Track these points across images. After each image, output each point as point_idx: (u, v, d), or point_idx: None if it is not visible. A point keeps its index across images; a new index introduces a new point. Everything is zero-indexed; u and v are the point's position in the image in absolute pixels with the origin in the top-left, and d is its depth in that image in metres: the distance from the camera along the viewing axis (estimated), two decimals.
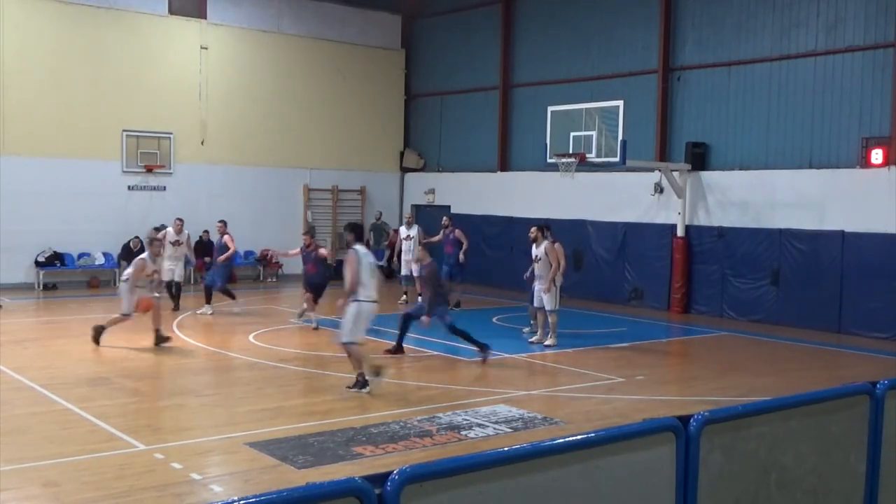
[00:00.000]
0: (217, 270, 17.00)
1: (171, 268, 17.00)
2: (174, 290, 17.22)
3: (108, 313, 17.39)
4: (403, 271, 19.18)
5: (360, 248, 10.53)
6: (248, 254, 23.31)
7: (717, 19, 18.85)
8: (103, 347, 13.31)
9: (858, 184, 16.35)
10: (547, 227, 14.63)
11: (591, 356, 13.43)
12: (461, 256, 18.35)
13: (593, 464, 3.48)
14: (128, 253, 21.21)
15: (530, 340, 14.29)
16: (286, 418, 9.27)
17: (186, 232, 17.61)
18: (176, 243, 17.12)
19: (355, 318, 10.34)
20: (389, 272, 25.25)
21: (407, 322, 12.96)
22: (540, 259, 13.94)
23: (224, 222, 17.56)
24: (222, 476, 7.52)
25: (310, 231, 16.89)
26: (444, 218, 19.78)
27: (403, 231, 19.37)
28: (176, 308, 16.95)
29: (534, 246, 14.16)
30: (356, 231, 10.91)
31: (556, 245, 14.25)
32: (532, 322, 14.76)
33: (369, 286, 10.35)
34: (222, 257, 16.83)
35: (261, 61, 23.71)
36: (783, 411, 4.31)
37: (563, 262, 14.14)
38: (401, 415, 9.42)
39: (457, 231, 18.71)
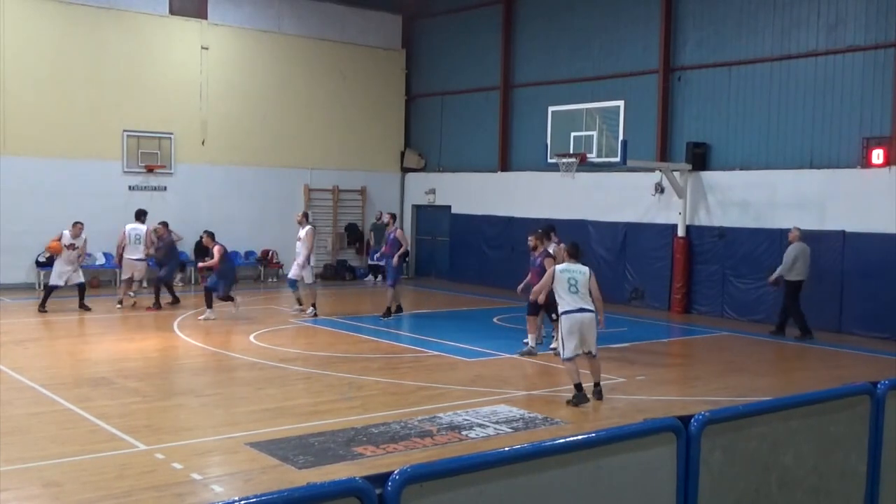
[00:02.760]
0: (390, 268, 17.18)
1: (68, 269, 16.95)
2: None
3: (108, 313, 17.47)
4: (291, 274, 17.40)
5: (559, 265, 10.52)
6: (249, 254, 23.32)
7: (718, 19, 18.85)
8: (103, 347, 13.32)
9: (859, 184, 16.35)
10: (552, 227, 14.16)
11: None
12: (395, 259, 16.73)
13: (594, 464, 3.48)
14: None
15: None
16: (287, 418, 9.27)
17: (84, 237, 17.24)
18: (71, 247, 16.96)
19: (563, 333, 10.22)
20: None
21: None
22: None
23: (393, 215, 17.74)
24: (223, 476, 7.52)
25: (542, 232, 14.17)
26: (386, 215, 18.04)
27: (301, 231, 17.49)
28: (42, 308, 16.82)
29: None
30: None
31: (561, 245, 14.00)
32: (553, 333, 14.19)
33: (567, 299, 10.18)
34: (397, 253, 16.88)
35: (261, 61, 23.71)
36: (784, 411, 4.31)
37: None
38: (401, 415, 9.42)
39: (398, 231, 17.18)
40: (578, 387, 10.06)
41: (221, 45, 23.01)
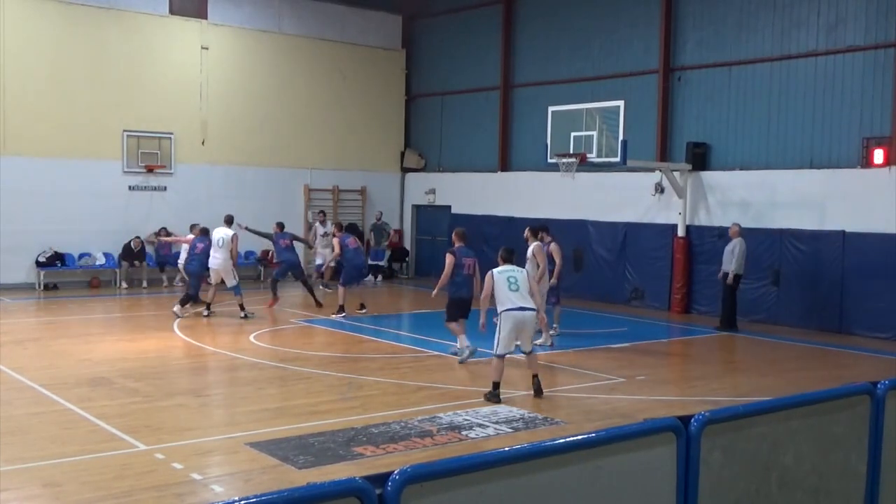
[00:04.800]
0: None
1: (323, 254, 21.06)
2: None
3: (108, 313, 17.49)
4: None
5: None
6: (249, 254, 23.32)
7: (718, 19, 18.85)
8: (103, 347, 13.32)
9: (859, 184, 16.35)
10: (543, 227, 14.43)
11: (591, 356, 13.43)
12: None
13: (594, 464, 3.48)
14: (128, 253, 21.24)
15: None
16: (287, 418, 9.27)
17: (330, 223, 20.75)
18: (325, 234, 20.83)
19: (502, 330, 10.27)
20: (390, 272, 25.31)
21: None
22: (528, 259, 13.84)
23: (339, 224, 18.76)
24: (223, 476, 7.52)
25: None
26: (329, 220, 19.40)
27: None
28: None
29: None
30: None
31: (553, 245, 14.22)
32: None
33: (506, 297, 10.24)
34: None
35: (261, 61, 23.71)
36: (784, 411, 4.31)
37: (557, 262, 14.04)
38: (401, 415, 9.42)
39: (334, 240, 17.56)
40: (497, 385, 10.22)
41: (221, 45, 23.00)
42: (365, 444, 8.27)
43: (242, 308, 16.55)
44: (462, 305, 12.73)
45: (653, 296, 19.54)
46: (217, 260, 16.55)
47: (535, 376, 10.43)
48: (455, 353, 12.87)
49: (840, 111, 16.82)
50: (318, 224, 21.76)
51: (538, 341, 13.67)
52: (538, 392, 10.37)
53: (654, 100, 19.79)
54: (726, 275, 16.30)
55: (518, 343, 10.35)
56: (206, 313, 16.45)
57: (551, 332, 14.15)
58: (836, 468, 4.58)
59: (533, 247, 13.73)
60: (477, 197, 23.86)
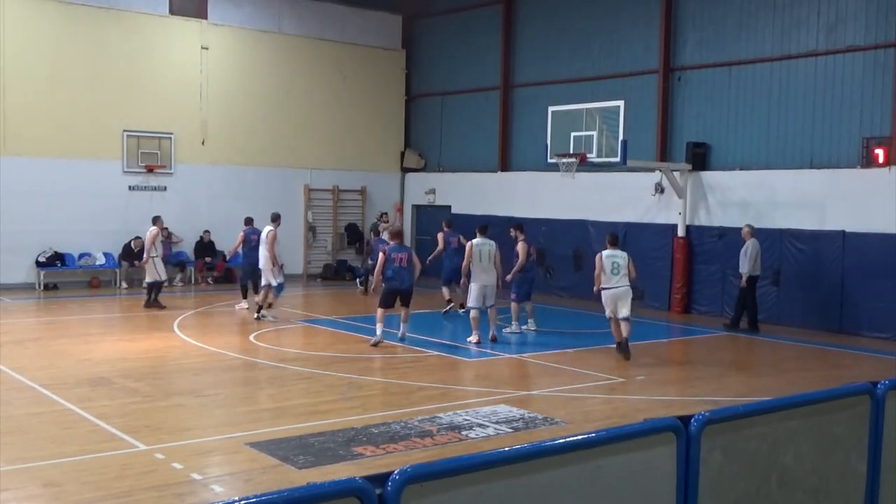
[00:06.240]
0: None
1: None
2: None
3: (108, 313, 17.47)
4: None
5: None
6: None
7: (718, 19, 18.85)
8: (103, 347, 13.32)
9: (859, 184, 16.35)
10: (518, 226, 15.93)
11: (591, 356, 13.43)
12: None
13: (594, 464, 3.47)
14: (129, 253, 21.22)
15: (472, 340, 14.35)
16: (287, 418, 9.27)
17: (398, 223, 22.24)
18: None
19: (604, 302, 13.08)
20: None
21: None
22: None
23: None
24: (223, 476, 7.52)
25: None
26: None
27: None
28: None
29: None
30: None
31: (520, 244, 15.23)
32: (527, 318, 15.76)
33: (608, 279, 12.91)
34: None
35: (261, 61, 23.71)
36: (784, 411, 4.31)
37: (519, 260, 15.12)
38: (401, 415, 9.42)
39: (439, 235, 18.08)
40: (618, 343, 13.02)
41: (221, 45, 23.00)
42: (365, 444, 8.28)
43: (260, 308, 16.20)
44: (393, 295, 13.82)
45: (653, 296, 19.53)
46: (261, 258, 16.35)
47: (625, 339, 12.84)
48: (401, 339, 13.78)
49: (840, 111, 16.82)
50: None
51: (506, 329, 14.90)
52: (625, 352, 12.82)
53: (654, 100, 19.79)
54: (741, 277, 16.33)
55: (618, 311, 12.84)
56: (256, 316, 16.14)
57: (513, 329, 14.96)
58: (836, 468, 4.58)
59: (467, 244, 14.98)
60: (477, 197, 23.85)
